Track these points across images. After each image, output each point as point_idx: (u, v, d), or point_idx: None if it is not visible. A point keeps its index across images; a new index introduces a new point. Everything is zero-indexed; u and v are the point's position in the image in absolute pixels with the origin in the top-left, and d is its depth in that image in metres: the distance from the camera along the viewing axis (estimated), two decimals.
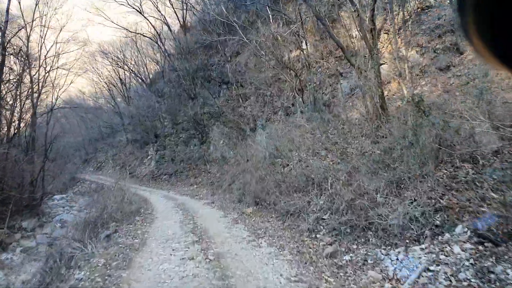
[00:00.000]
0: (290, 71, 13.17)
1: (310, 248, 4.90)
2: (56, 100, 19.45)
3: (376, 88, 8.53)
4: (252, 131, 15.18)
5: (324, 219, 5.55)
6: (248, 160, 12.15)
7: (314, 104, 11.45)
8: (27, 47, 15.83)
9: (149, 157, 19.46)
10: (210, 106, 18.36)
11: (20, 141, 15.34)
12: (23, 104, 16.34)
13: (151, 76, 23.17)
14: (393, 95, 10.40)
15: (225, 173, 13.47)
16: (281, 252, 4.84)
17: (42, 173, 12.76)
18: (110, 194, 10.76)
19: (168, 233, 6.31)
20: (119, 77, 23.70)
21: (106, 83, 24.35)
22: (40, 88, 15.38)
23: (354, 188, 5.45)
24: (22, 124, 16.37)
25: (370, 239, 4.54)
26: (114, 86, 24.80)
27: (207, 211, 8.76)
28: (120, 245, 5.66)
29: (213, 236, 5.85)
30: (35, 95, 15.13)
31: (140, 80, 22.44)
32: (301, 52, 13.72)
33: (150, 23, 19.21)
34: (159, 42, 18.44)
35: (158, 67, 24.18)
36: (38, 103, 16.21)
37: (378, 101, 8.64)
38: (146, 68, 22.89)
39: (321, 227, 5.43)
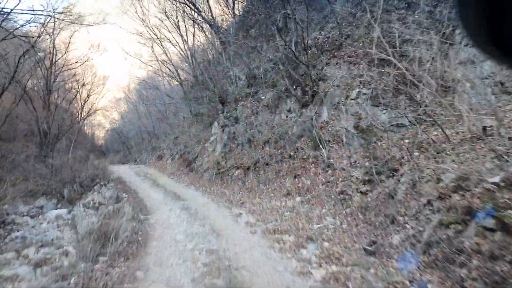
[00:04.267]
0: None
1: None
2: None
3: None
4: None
5: None
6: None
7: None
8: None
9: (212, 138, 12.08)
10: (316, 31, 9.62)
11: None
12: None
13: (216, 18, 15.59)
14: None
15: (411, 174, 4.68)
16: None
17: None
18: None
19: None
20: (175, 21, 16.91)
21: (157, 37, 18.13)
22: None
23: None
24: None
25: None
26: (171, 42, 18.37)
27: None
28: None
29: None
30: None
31: (201, 21, 15.13)
32: None
33: None
34: None
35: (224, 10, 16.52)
36: None
37: None
38: (210, 8, 15.40)
39: None
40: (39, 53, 15.86)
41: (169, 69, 19.09)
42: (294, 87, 9.41)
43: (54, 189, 12.03)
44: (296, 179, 7.71)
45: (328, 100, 8.40)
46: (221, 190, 9.36)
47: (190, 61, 18.18)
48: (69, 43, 16.95)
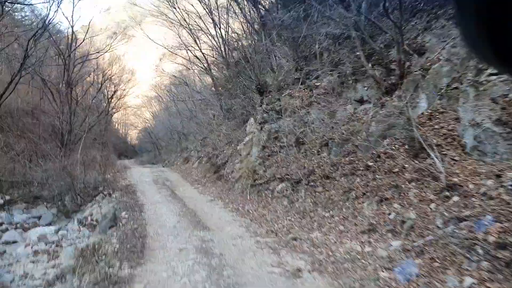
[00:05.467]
0: None
1: None
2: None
3: None
4: None
5: None
6: None
7: None
8: None
9: (247, 138, 9.52)
10: None
11: None
12: None
13: None
14: None
15: None
16: None
17: None
18: None
19: None
20: (207, 5, 14.58)
21: (186, 22, 15.82)
22: None
23: None
24: None
25: None
26: (201, 29, 16.08)
27: None
28: None
29: None
30: None
31: None
32: None
33: None
34: None
35: None
36: None
37: None
38: None
39: None
40: (53, 37, 14.36)
41: (198, 58, 16.85)
42: (371, 64, 6.53)
43: (56, 196, 10.10)
44: (384, 205, 4.84)
45: (429, 81, 5.45)
46: (259, 211, 6.71)
47: (223, 48, 15.82)
48: (88, 28, 15.26)
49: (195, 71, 21.05)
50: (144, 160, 34.33)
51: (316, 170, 6.53)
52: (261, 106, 9.16)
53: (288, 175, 7.14)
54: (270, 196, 7.25)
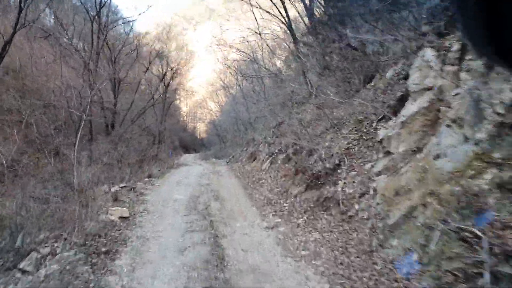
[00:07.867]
0: None
1: None
2: None
3: None
4: None
5: None
6: None
7: None
8: None
9: (413, 107, 3.41)
10: None
11: None
12: None
13: None
14: None
15: None
16: None
17: None
18: None
19: None
20: None
21: None
22: None
23: None
24: None
25: None
26: None
27: None
28: None
29: None
30: None
31: None
32: None
33: None
34: None
35: None
36: None
37: None
38: None
39: None
40: None
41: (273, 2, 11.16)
42: None
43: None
44: None
45: None
46: None
47: None
48: None
49: (266, 35, 15.57)
50: (210, 154, 30.91)
51: None
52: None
53: None
54: None
